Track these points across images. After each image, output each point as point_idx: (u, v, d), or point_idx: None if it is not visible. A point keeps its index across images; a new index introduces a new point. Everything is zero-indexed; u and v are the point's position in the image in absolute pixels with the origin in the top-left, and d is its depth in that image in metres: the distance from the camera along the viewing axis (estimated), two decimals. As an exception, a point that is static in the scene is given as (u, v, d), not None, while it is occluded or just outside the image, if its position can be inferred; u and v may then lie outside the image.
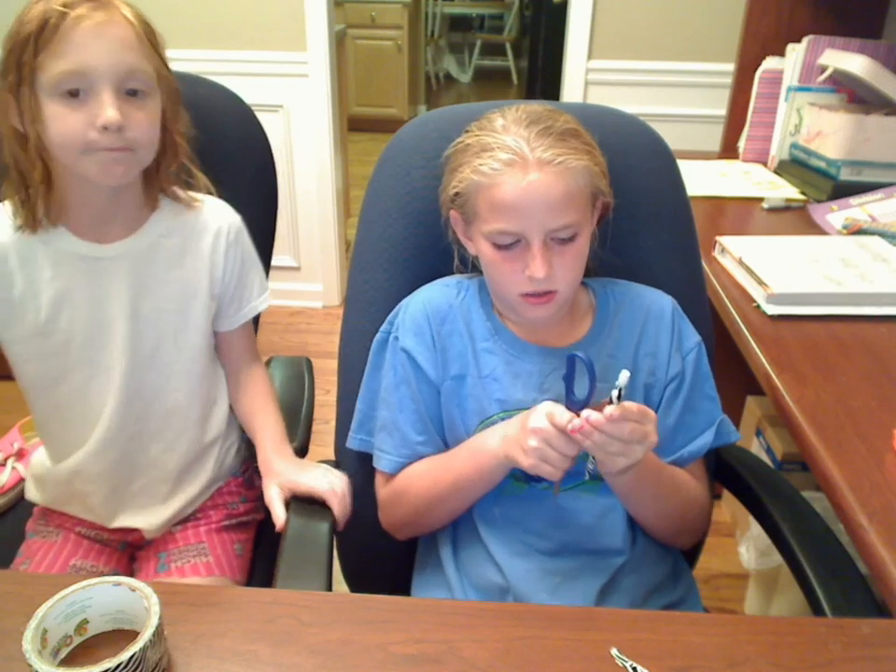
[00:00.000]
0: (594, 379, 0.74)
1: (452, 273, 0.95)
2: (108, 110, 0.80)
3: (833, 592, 0.78)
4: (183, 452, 1.03)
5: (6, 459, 1.19)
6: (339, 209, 2.89)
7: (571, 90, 2.51)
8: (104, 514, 1.03)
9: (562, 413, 0.75)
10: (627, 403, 0.73)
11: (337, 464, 1.02)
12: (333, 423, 1.03)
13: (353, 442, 0.96)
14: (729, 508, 1.93)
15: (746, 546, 1.56)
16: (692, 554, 1.05)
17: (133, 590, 0.62)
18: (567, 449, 0.75)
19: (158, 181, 0.94)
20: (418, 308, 0.91)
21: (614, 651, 0.64)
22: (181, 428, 1.02)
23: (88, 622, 0.63)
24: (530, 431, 0.76)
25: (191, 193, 0.98)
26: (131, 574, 1.05)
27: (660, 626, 0.67)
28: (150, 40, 0.85)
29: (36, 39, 0.78)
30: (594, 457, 0.77)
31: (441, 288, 0.93)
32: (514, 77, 6.97)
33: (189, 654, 0.63)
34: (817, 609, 0.78)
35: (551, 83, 3.69)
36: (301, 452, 1.08)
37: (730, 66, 2.01)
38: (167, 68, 0.88)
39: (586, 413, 0.73)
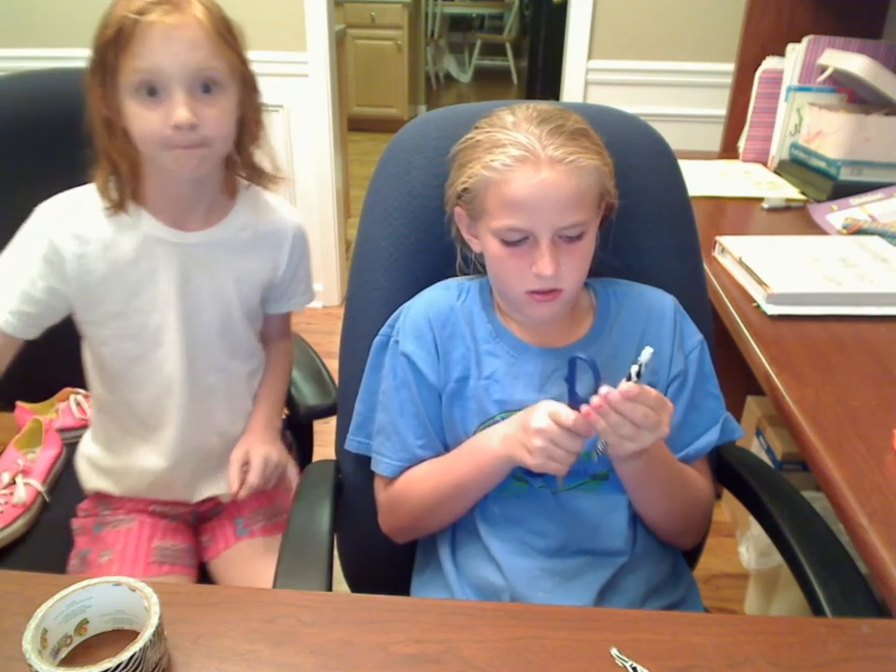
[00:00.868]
0: (598, 378, 0.74)
1: (453, 273, 0.95)
2: (179, 110, 0.85)
3: (832, 592, 0.78)
4: (244, 419, 1.12)
5: (14, 478, 1.18)
6: (339, 209, 2.89)
7: (571, 90, 2.51)
8: (187, 492, 1.10)
9: (568, 413, 0.75)
10: (647, 388, 0.73)
11: (338, 463, 1.02)
12: (334, 422, 1.03)
13: (351, 444, 0.96)
14: (729, 508, 1.93)
15: (746, 546, 1.56)
16: (692, 555, 1.05)
17: (133, 590, 0.62)
18: (573, 445, 0.76)
19: (236, 167, 1.00)
20: (420, 312, 0.91)
21: (614, 651, 0.64)
22: (240, 399, 1.11)
23: (88, 622, 0.63)
24: (534, 432, 0.76)
25: (269, 180, 1.04)
26: (199, 548, 1.11)
27: (660, 626, 0.67)
28: (224, 36, 0.88)
29: (115, 43, 0.85)
30: (604, 441, 0.77)
31: (442, 292, 0.93)
32: (514, 77, 6.97)
33: (189, 654, 0.63)
34: (817, 609, 0.78)
35: (551, 83, 3.69)
36: (336, 407, 1.12)
37: (730, 66, 2.01)
38: (243, 61, 0.92)
39: (604, 389, 0.73)
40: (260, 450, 1.05)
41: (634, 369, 0.72)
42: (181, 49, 0.85)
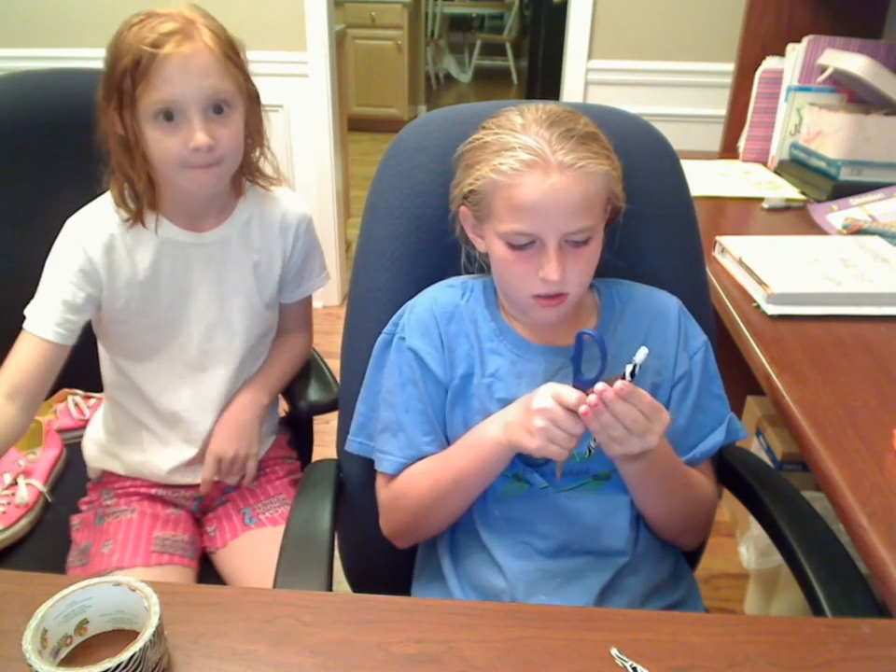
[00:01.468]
0: (605, 356, 0.74)
1: (455, 272, 0.95)
2: (198, 135, 0.91)
3: (833, 592, 0.78)
4: None
5: (15, 478, 1.19)
6: (339, 209, 2.89)
7: (571, 90, 2.51)
8: (186, 477, 1.13)
9: (570, 393, 0.75)
10: (641, 391, 0.73)
11: (339, 463, 1.02)
12: (335, 423, 1.03)
13: (352, 446, 0.96)
14: (729, 508, 1.93)
15: (746, 546, 1.56)
16: (693, 555, 1.05)
17: (133, 590, 0.62)
18: (574, 428, 0.75)
19: (242, 172, 1.06)
20: (425, 308, 0.90)
21: (614, 651, 0.64)
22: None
23: (88, 622, 0.63)
24: (536, 412, 0.76)
25: (269, 182, 1.10)
26: (205, 538, 1.14)
27: (660, 626, 0.67)
28: (231, 58, 0.94)
29: (132, 74, 0.89)
30: (595, 438, 0.77)
31: (446, 289, 0.93)
32: (514, 77, 6.97)
33: (189, 654, 0.63)
34: (817, 609, 0.78)
35: (551, 83, 3.69)
36: (336, 403, 1.12)
37: (730, 66, 2.01)
38: (247, 77, 0.98)
39: (600, 386, 0.72)
40: (213, 447, 1.09)
41: (628, 368, 0.73)
42: (196, 78, 0.90)
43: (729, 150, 2.00)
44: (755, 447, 1.67)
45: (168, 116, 0.91)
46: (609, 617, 0.70)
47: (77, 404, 1.37)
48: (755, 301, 1.14)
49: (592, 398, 0.73)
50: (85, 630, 0.64)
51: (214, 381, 1.10)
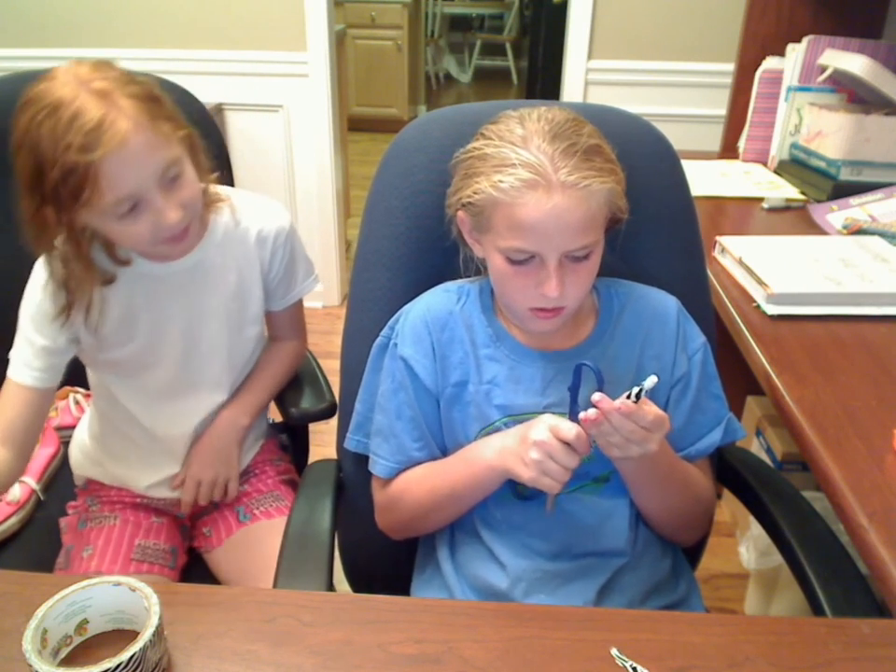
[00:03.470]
0: (602, 387, 0.74)
1: (455, 272, 0.94)
2: (170, 214, 0.86)
3: (833, 592, 0.78)
4: None
5: None
6: (339, 209, 2.89)
7: (571, 90, 2.51)
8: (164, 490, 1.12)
9: (569, 428, 0.75)
10: (646, 408, 0.74)
11: (339, 463, 1.02)
12: (334, 422, 1.03)
13: (350, 443, 0.96)
14: (729, 508, 1.93)
15: (746, 546, 1.56)
16: (693, 554, 1.05)
17: (133, 590, 0.62)
18: (569, 461, 0.75)
19: (204, 203, 0.98)
20: (418, 315, 0.90)
21: (614, 651, 0.64)
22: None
23: (88, 622, 0.63)
24: (532, 444, 0.76)
25: (246, 199, 1.06)
26: (185, 548, 1.12)
27: (660, 626, 0.67)
28: (158, 115, 0.85)
29: (69, 186, 0.79)
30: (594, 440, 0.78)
31: (441, 295, 0.92)
32: (514, 77, 6.96)
33: (189, 654, 0.63)
34: (817, 610, 0.78)
35: (551, 83, 3.69)
36: (333, 409, 1.12)
37: (730, 66, 2.01)
38: (180, 123, 0.89)
39: (597, 396, 0.73)
40: (192, 472, 1.09)
41: (635, 390, 0.73)
42: (143, 161, 0.82)
43: (729, 150, 2.00)
44: (755, 447, 1.67)
45: (132, 208, 0.84)
46: (609, 617, 0.71)
47: (77, 402, 1.37)
48: (755, 301, 1.14)
49: (592, 411, 0.73)
50: (85, 630, 0.64)
51: (197, 402, 1.08)
